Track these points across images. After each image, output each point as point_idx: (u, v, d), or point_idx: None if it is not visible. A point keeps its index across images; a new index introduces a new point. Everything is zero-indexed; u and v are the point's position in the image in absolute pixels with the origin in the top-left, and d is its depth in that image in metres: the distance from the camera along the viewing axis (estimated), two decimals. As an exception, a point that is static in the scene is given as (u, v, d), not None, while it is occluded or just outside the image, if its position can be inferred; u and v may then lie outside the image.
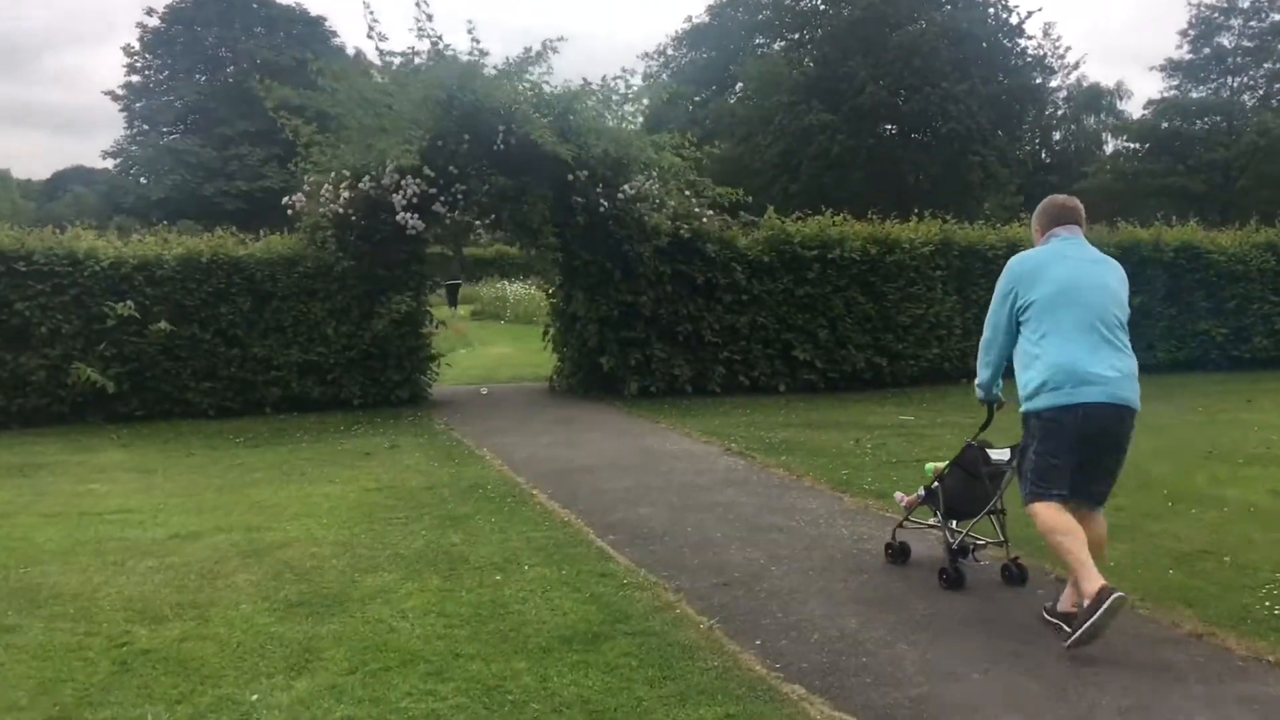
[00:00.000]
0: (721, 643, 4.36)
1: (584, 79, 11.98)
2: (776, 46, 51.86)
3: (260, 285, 11.03)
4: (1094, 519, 4.51)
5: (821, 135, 43.11)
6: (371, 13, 11.48)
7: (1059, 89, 55.54)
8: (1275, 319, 15.08)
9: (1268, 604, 4.79)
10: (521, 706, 3.73)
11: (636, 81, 12.12)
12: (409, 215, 10.97)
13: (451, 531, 6.12)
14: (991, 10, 45.88)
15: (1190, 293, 14.70)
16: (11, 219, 12.18)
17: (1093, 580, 4.12)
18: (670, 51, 56.38)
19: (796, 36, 50.66)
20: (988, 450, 5.05)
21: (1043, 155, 57.69)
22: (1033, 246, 4.74)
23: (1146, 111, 49.23)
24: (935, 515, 5.31)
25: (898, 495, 5.69)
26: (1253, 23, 45.83)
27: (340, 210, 10.97)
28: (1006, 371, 4.79)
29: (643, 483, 7.56)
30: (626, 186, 11.79)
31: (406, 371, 11.59)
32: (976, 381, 4.93)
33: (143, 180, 49.97)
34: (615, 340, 12.13)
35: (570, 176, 11.38)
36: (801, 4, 48.45)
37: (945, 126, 43.29)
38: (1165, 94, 48.65)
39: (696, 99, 53.28)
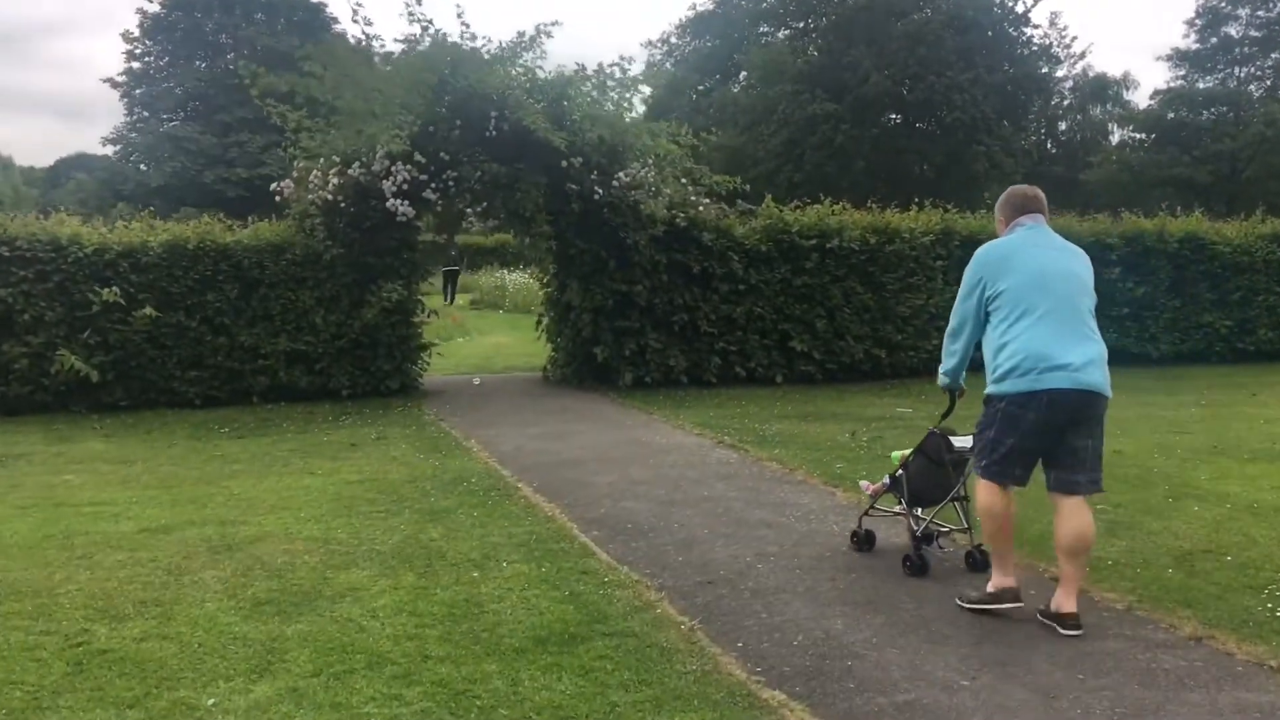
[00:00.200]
0: (702, 645, 4.20)
1: (578, 64, 11.79)
2: (781, 35, 51.62)
3: (248, 273, 10.84)
4: (1077, 512, 4.41)
5: (825, 124, 42.88)
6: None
7: (1065, 79, 55.24)
8: (1281, 311, 14.89)
9: (1269, 606, 4.62)
10: (489, 712, 3.58)
11: (633, 67, 11.87)
12: (399, 202, 10.77)
13: (431, 526, 5.96)
14: (997, -1, 45.56)
15: (1194, 284, 14.49)
16: (14, 207, 11.96)
17: (1006, 577, 4.52)
18: (674, 39, 56.10)
19: (801, 25, 50.41)
20: (950, 438, 5.11)
21: (1048, 146, 57.40)
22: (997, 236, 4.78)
23: (1153, 102, 48.97)
24: (900, 502, 5.33)
25: (863, 483, 5.73)
26: (1260, 12, 45.49)
27: (329, 197, 10.77)
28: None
29: (630, 476, 7.40)
30: (622, 174, 11.60)
31: (397, 361, 11.40)
32: (941, 369, 4.93)
33: (142, 167, 49.76)
34: (610, 330, 11.95)
35: (564, 163, 11.18)
36: (805, -8, 48.14)
37: (950, 116, 43.04)
38: (1171, 84, 48.39)
39: (700, 88, 53.07)
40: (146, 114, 51.07)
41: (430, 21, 11.22)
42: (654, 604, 4.67)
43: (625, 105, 12.16)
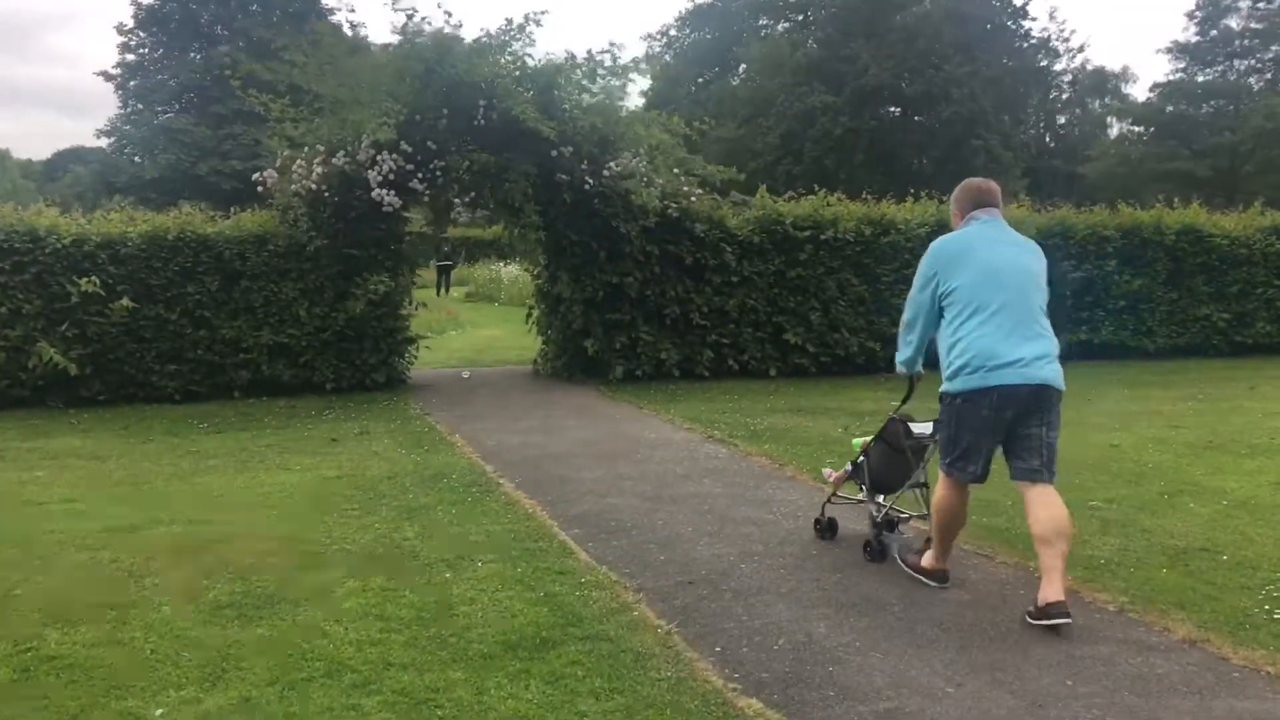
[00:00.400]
0: (678, 650, 4.03)
1: (568, 52, 11.59)
2: (780, 28, 51.44)
3: (229, 264, 10.64)
4: (1047, 500, 4.40)
5: (824, 117, 42.73)
6: None
7: (1064, 72, 55.10)
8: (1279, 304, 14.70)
9: (1267, 607, 4.46)
10: (449, 723, 3.41)
11: (622, 53, 11.64)
12: (385, 192, 10.58)
13: (407, 524, 5.79)
14: (995, -9, 45.37)
15: (1192, 277, 14.30)
16: (11, 199, 11.74)
17: (941, 562, 4.74)
18: (673, 32, 55.89)
19: (800, 18, 50.24)
20: (910, 424, 5.11)
21: (1047, 139, 57.24)
22: (952, 229, 4.80)
23: (1152, 95, 48.82)
24: (861, 490, 5.36)
25: (826, 471, 5.77)
26: (1260, 4, 45.29)
27: (313, 186, 10.58)
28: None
29: (615, 472, 7.23)
30: (613, 164, 11.40)
31: (383, 354, 11.22)
32: (898, 358, 4.95)
33: (137, 160, 49.45)
34: (600, 322, 11.77)
35: (554, 153, 11.01)
36: (804, -16, 47.93)
37: (948, 109, 42.89)
38: (1171, 77, 48.20)
39: (699, 80, 52.89)
40: (141, 106, 50.74)
41: (414, 10, 11.03)
42: (631, 606, 4.50)
43: (617, 94, 11.95)
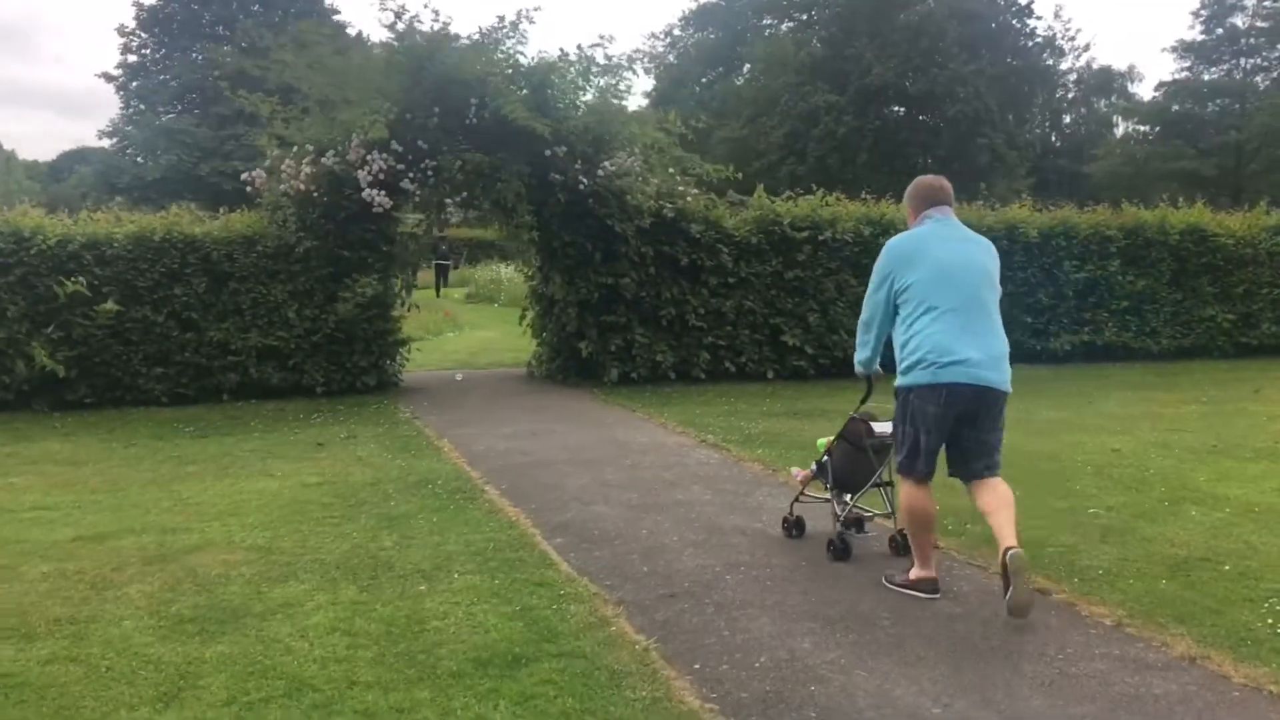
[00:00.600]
0: (655, 668, 3.87)
1: (561, 49, 11.43)
2: (784, 27, 51.26)
3: (217, 265, 10.48)
4: (991, 485, 4.59)
5: (827, 116, 42.55)
6: None
7: (1069, 71, 54.82)
8: (1286, 305, 14.51)
9: (1270, 621, 4.29)
10: (410, 747, 3.26)
11: (615, 49, 11.50)
12: (375, 192, 10.43)
13: (385, 533, 5.64)
14: (1000, -11, 45.14)
15: (1196, 277, 14.11)
16: (15, 201, 11.57)
17: (926, 570, 4.64)
18: (677, 32, 55.72)
19: (804, 17, 50.05)
20: (871, 424, 5.16)
21: (1052, 138, 56.96)
22: (908, 228, 4.86)
23: (1157, 94, 48.51)
24: (826, 488, 5.38)
25: (794, 470, 5.80)
26: (1267, 2, 44.99)
27: (302, 187, 10.43)
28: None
29: (603, 478, 7.07)
30: (607, 163, 11.24)
31: (374, 357, 11.06)
32: (856, 359, 5.01)
33: (139, 160, 49.39)
34: (595, 325, 11.60)
35: (548, 152, 10.85)
36: (809, -17, 47.75)
37: (953, 108, 42.69)
38: (1177, 76, 47.92)
39: (704, 80, 52.72)
40: (143, 107, 50.72)
41: (404, 7, 10.87)
42: (609, 620, 4.34)
43: (611, 91, 11.78)
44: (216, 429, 9.19)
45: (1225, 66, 47.15)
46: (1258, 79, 47.06)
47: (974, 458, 4.57)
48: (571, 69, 11.39)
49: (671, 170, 11.89)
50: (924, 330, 4.45)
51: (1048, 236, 13.52)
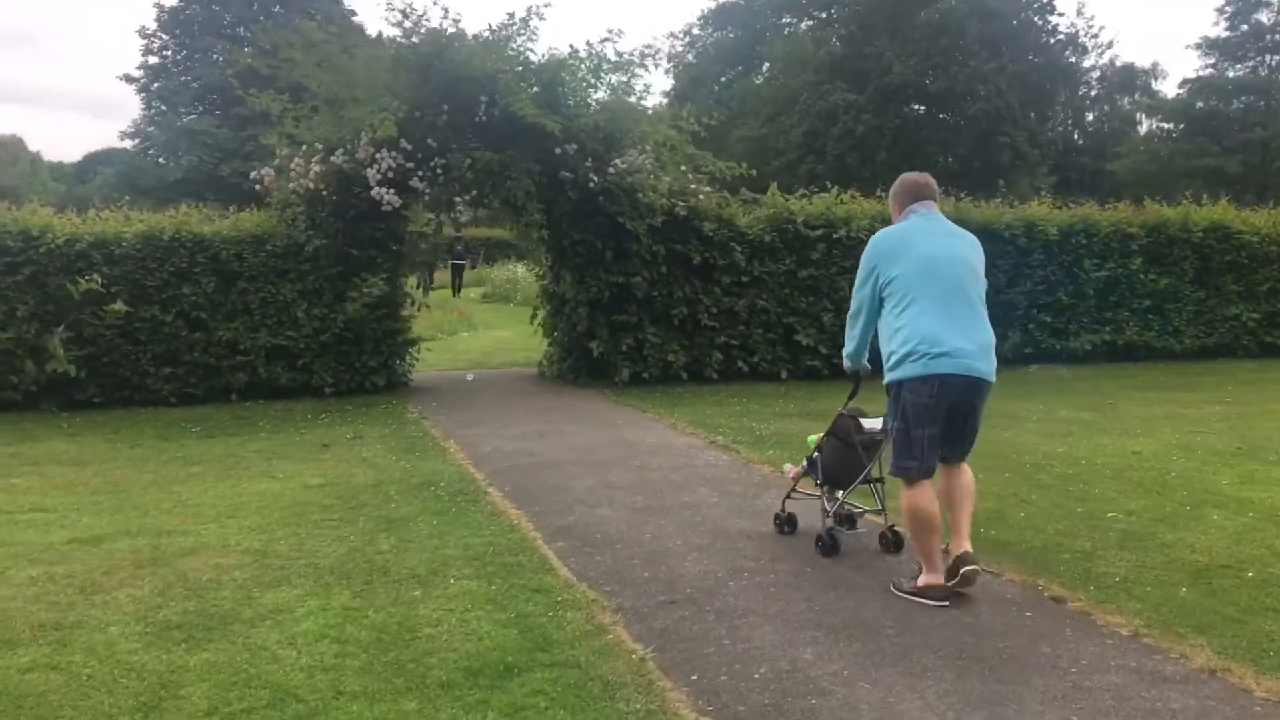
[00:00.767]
0: (651, 679, 3.74)
1: (571, 46, 11.30)
2: (803, 26, 51.01)
3: (226, 265, 10.41)
4: (959, 472, 4.68)
5: (847, 115, 42.32)
6: None
7: (1092, 69, 54.23)
8: (1312, 303, 14.22)
9: (1294, 632, 4.12)
10: (393, 762, 3.14)
11: (624, 44, 11.36)
12: (384, 190, 10.34)
13: (383, 536, 5.53)
14: (1021, -14, 44.71)
15: (1220, 275, 13.85)
16: (41, 201, 11.53)
17: (934, 576, 4.51)
18: (696, 31, 55.53)
19: (824, 15, 49.79)
20: (860, 420, 5.16)
21: (1075, 136, 56.40)
22: (892, 223, 4.90)
23: (1181, 91, 47.96)
24: (816, 485, 5.39)
25: (787, 466, 5.82)
26: (1292, -3, 44.33)
27: (311, 185, 10.35)
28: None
29: (609, 480, 6.94)
30: (618, 160, 11.11)
31: (383, 356, 10.96)
32: (845, 353, 5.05)
33: (161, 161, 49.66)
34: (606, 324, 11.47)
35: (558, 150, 10.74)
36: (828, -19, 47.49)
37: (973, 106, 42.37)
38: (1201, 73, 47.33)
39: (722, 79, 52.52)
40: (164, 108, 50.96)
41: (411, 7, 10.76)
42: (607, 628, 4.21)
43: (622, 88, 11.64)
44: (223, 429, 9.12)
45: (1250, 63, 46.57)
46: (1282, 75, 46.46)
47: (951, 444, 4.61)
48: (582, 66, 11.26)
49: (684, 168, 11.74)
50: (912, 323, 4.45)
51: (1068, 234, 13.30)
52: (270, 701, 3.53)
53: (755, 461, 7.55)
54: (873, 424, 5.10)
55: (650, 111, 12.54)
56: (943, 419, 4.48)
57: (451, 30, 10.63)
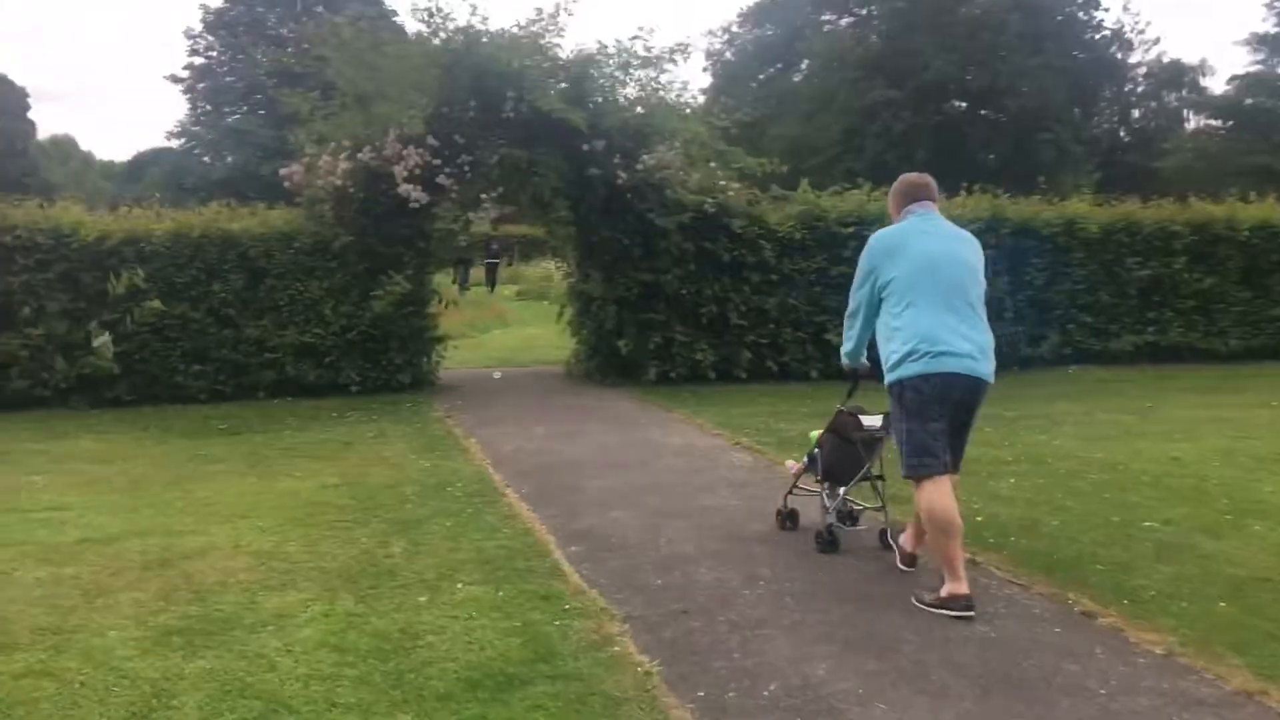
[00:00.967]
0: (655, 694, 3.60)
1: (599, 42, 11.18)
2: (843, 22, 50.53)
3: (254, 262, 10.42)
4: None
5: (886, 112, 41.86)
6: None
7: (1138, 65, 53.13)
8: (1364, 304, 13.78)
9: (1340, 652, 3.89)
10: (382, 779, 3.03)
11: (655, 42, 11.17)
12: (411, 187, 10.29)
13: (395, 539, 5.44)
14: (1066, -19, 43.96)
15: (1267, 275, 13.46)
16: (91, 200, 11.62)
17: (957, 585, 4.34)
18: (735, 29, 55.16)
19: (864, 12, 49.29)
20: (859, 417, 5.17)
21: (1121, 134, 55.38)
22: (891, 223, 4.85)
23: (1229, 88, 46.89)
24: (817, 481, 5.41)
25: (789, 463, 5.86)
26: (1344, -8, 43.21)
27: (338, 182, 10.32)
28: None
29: (628, 482, 6.81)
30: (646, 156, 10.98)
31: (409, 354, 10.93)
32: (842, 351, 5.06)
33: (206, 160, 50.24)
34: (634, 322, 11.35)
35: (585, 146, 10.63)
36: (868, -22, 46.99)
37: (1015, 103, 41.67)
38: (1250, 69, 46.25)
39: (760, 78, 52.16)
40: (209, 107, 51.53)
41: (439, 7, 10.70)
42: (614, 639, 4.08)
43: (652, 84, 11.51)
44: (249, 427, 9.10)
45: (1301, 59, 45.46)
46: (1336, 71, 45.32)
47: (951, 450, 4.52)
48: (610, 62, 11.14)
49: (713, 164, 11.57)
50: (911, 324, 4.40)
51: (1109, 232, 12.99)
52: (262, 713, 3.43)
53: (780, 463, 7.36)
54: (872, 421, 5.12)
55: (689, 110, 12.35)
56: (948, 414, 4.42)
57: (479, 26, 10.55)
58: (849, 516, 5.48)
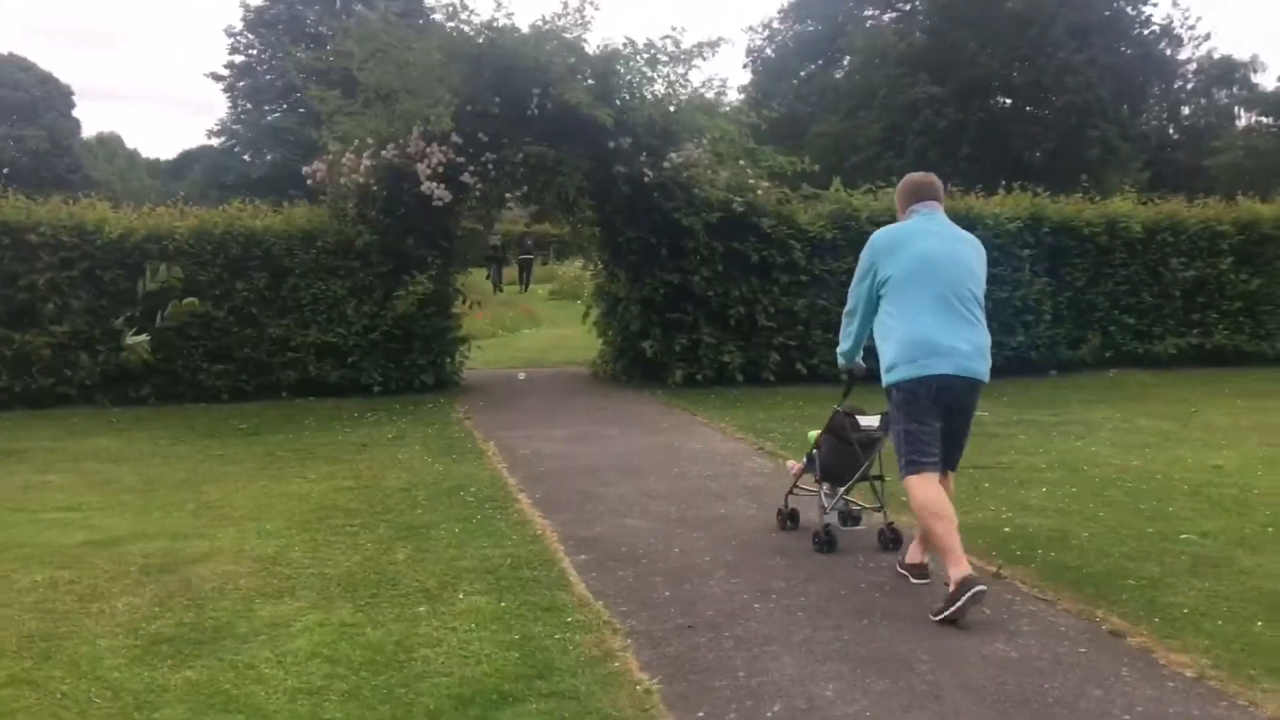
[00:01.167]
0: (653, 714, 3.44)
1: (627, 38, 11.02)
2: (885, 18, 49.99)
3: (277, 260, 10.38)
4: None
5: (928, 109, 41.27)
6: None
7: (1188, 61, 52.08)
8: None
9: (1384, 678, 3.65)
10: (359, 803, 2.89)
11: (686, 40, 10.99)
12: (435, 185, 10.19)
13: (401, 545, 5.32)
14: (1113, -25, 43.14)
15: (1318, 276, 13.06)
16: (135, 197, 11.69)
17: (959, 567, 4.24)
18: (775, 24, 54.75)
19: (907, 7, 48.72)
20: (857, 417, 5.18)
21: (1170, 131, 54.33)
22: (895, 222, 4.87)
23: (1281, 83, 45.78)
24: (815, 481, 5.41)
25: (790, 463, 5.88)
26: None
27: (361, 180, 10.26)
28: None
29: (645, 488, 6.65)
30: (673, 154, 10.81)
31: (432, 355, 10.84)
32: (838, 350, 5.09)
33: (246, 158, 50.76)
34: (660, 323, 11.18)
35: (611, 144, 10.48)
36: (913, -28, 46.45)
37: (1061, 99, 40.94)
38: (1304, 63, 45.19)
39: (801, 74, 51.71)
40: (249, 105, 52.05)
41: (463, 3, 10.59)
42: (615, 654, 3.92)
43: (680, 81, 11.34)
44: (269, 427, 9.05)
45: (1358, 53, 44.34)
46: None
47: (949, 450, 4.59)
48: (638, 58, 10.97)
49: (742, 162, 11.37)
50: (907, 323, 4.43)
51: (1153, 231, 12.64)
52: (244, 728, 3.32)
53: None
54: (869, 421, 5.14)
55: (726, 108, 12.17)
56: (943, 415, 4.46)
57: (504, 21, 10.44)
58: (851, 517, 5.52)
